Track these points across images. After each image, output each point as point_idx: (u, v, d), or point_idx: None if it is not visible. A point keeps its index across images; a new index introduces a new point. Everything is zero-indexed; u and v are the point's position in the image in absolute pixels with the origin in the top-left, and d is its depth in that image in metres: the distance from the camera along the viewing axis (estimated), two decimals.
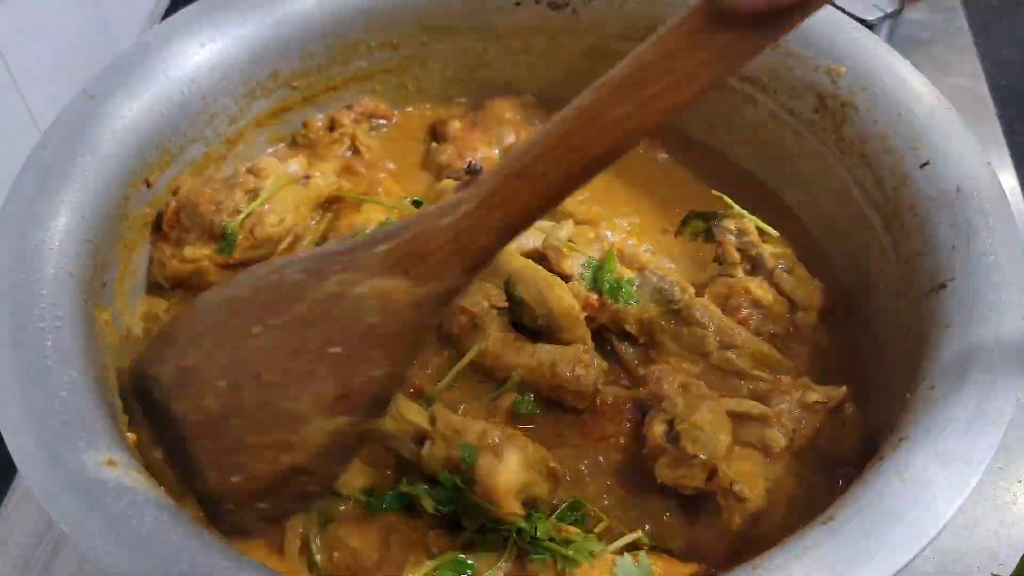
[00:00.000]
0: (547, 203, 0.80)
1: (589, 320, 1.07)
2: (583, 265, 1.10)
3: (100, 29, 1.66)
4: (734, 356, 1.04)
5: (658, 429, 0.94)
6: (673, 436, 0.93)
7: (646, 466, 0.95)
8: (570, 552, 0.86)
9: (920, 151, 1.04)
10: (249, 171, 1.17)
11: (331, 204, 1.23)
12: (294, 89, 1.27)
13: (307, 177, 1.20)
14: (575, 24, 1.30)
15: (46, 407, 0.84)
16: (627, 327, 1.08)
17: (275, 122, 1.29)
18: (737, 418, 0.95)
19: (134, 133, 1.07)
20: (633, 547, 0.90)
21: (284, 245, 1.17)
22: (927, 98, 1.08)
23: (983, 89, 1.61)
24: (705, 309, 1.06)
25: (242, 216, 1.13)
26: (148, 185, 1.11)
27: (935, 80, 1.11)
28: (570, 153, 0.76)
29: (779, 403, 0.97)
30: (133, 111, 1.08)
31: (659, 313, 1.07)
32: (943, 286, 0.93)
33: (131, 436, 0.94)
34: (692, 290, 1.08)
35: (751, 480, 0.92)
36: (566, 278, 1.09)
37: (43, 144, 1.02)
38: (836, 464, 0.96)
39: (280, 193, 1.16)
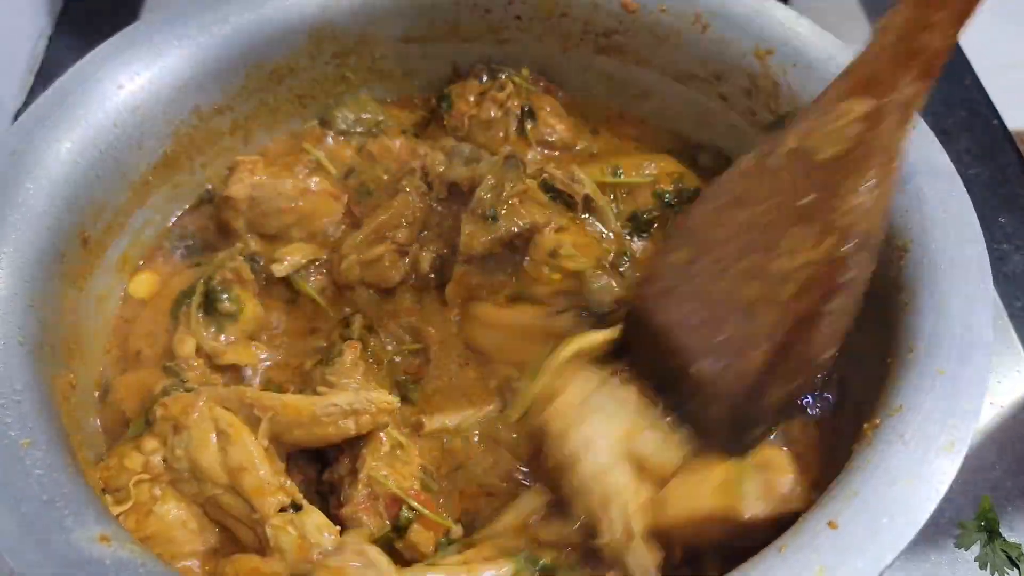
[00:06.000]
0: None
1: None
2: None
3: None
4: None
5: None
6: None
7: None
8: None
9: None
10: None
11: None
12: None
13: None
14: None
15: (23, 488, 0.79)
16: None
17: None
18: None
19: (65, 185, 1.01)
20: None
21: None
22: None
23: None
24: None
25: None
26: (84, 241, 1.04)
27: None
28: None
29: None
30: (60, 160, 1.02)
31: None
32: (905, 250, 0.96)
33: None
34: None
35: None
36: None
37: None
38: None
39: None
